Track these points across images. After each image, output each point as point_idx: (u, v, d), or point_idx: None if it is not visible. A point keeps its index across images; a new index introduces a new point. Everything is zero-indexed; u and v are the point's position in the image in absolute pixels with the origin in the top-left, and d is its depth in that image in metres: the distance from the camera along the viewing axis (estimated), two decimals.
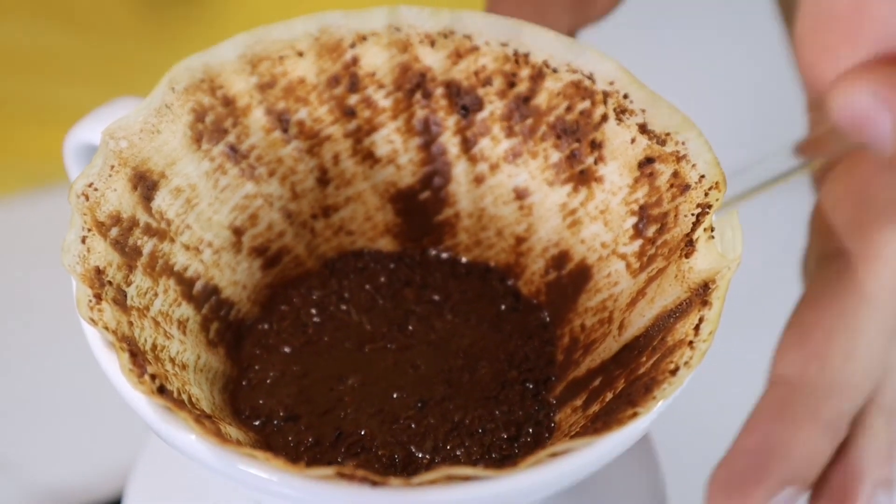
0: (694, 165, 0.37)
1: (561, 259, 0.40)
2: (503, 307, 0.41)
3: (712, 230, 0.35)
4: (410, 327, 0.40)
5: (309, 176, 0.41)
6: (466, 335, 0.40)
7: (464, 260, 0.42)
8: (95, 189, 0.36)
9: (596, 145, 0.39)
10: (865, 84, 0.36)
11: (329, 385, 0.39)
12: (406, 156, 0.42)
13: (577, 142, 0.40)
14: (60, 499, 0.51)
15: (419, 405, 0.38)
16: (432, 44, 0.41)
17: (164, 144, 0.38)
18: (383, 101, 0.41)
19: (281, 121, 0.41)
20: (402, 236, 0.42)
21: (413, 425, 0.38)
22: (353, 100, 0.41)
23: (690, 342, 0.34)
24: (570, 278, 0.40)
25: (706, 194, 0.36)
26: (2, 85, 0.60)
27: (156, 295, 0.37)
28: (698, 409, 0.47)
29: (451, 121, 0.41)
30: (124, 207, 0.37)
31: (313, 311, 0.41)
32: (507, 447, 0.38)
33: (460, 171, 0.41)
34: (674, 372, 0.33)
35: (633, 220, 0.38)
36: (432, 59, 0.41)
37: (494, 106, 0.41)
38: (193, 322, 0.38)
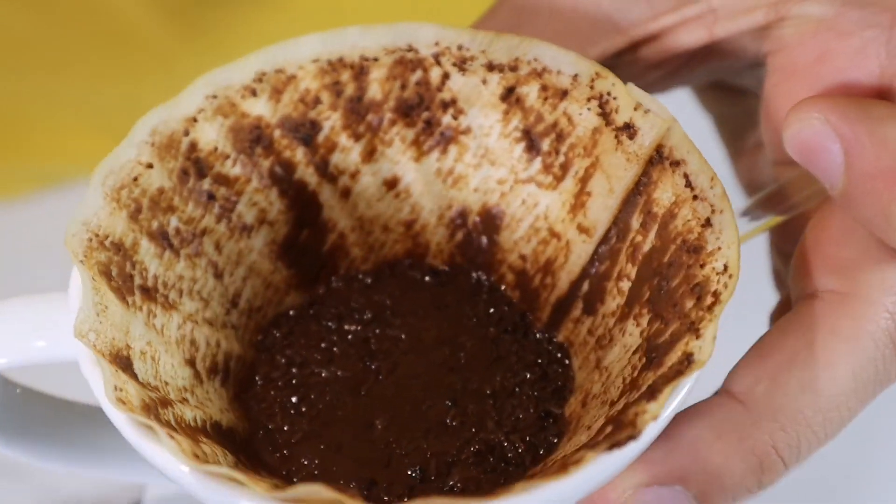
0: (559, 72, 0.40)
1: (460, 216, 0.42)
2: (432, 287, 0.42)
3: (641, 106, 0.38)
4: (380, 352, 0.41)
5: (206, 277, 0.40)
6: (427, 327, 0.41)
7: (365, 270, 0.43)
8: (120, 390, 0.34)
9: (447, 103, 0.41)
10: (816, 111, 0.36)
11: (367, 439, 0.38)
12: (273, 209, 0.41)
13: (426, 110, 0.41)
14: None
15: (450, 403, 0.39)
16: (253, 93, 0.40)
17: (112, 317, 0.36)
18: (233, 170, 0.40)
19: (163, 239, 0.39)
20: (303, 284, 0.42)
21: (463, 420, 0.39)
22: (206, 184, 0.40)
23: (695, 196, 0.37)
24: (480, 227, 0.42)
25: (592, 87, 0.39)
26: (10, 84, 0.59)
27: (216, 455, 0.35)
28: None
29: (298, 154, 0.41)
30: (140, 393, 0.34)
31: (289, 393, 0.40)
32: (546, 385, 0.39)
33: (326, 195, 0.41)
34: (707, 224, 0.36)
35: (521, 145, 0.41)
36: (258, 108, 0.40)
37: (332, 120, 0.41)
38: (237, 462, 0.36)
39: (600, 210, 0.39)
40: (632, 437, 0.33)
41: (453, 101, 0.41)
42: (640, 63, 0.42)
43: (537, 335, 0.41)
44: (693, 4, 0.41)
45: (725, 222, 0.36)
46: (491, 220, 0.42)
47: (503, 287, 0.42)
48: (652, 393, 0.34)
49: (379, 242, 0.43)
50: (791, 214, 0.40)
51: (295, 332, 0.41)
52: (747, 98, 0.44)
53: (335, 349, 0.41)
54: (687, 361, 0.34)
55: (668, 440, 0.36)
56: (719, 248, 0.36)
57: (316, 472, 0.38)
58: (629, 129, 0.38)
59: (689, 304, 0.36)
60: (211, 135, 0.40)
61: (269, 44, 0.40)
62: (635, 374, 0.36)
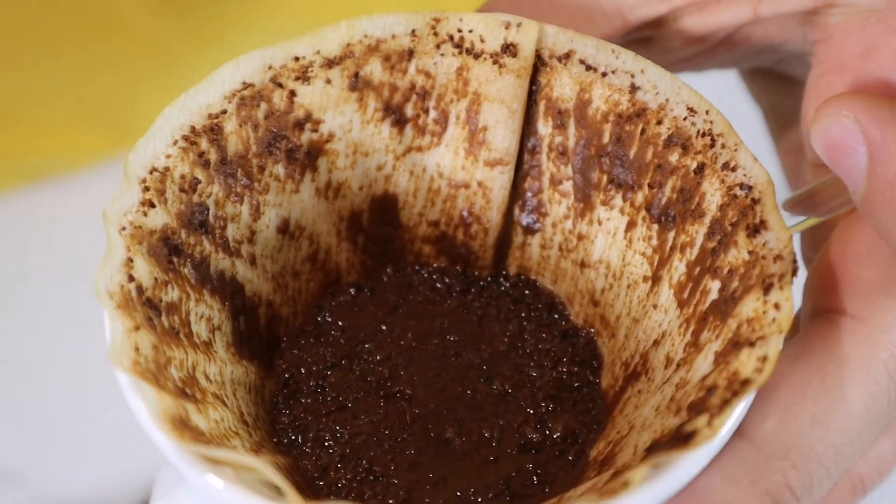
0: (393, 36, 0.39)
1: (355, 222, 0.40)
2: (367, 300, 0.40)
3: (511, 24, 0.38)
4: (385, 380, 0.38)
5: (222, 409, 0.36)
6: (399, 335, 0.40)
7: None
8: None
9: (303, 121, 0.39)
10: (846, 108, 0.34)
11: (455, 455, 0.37)
12: (215, 313, 0.38)
13: (283, 139, 0.38)
14: None
15: (485, 378, 0.38)
16: (151, 205, 0.36)
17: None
18: (172, 294, 0.36)
19: (185, 396, 0.34)
20: (269, 370, 0.38)
21: (511, 382, 0.38)
22: (165, 320, 0.35)
23: (603, 73, 0.37)
24: (376, 220, 0.40)
25: (435, 34, 0.39)
26: (3, 77, 0.57)
27: None
28: None
29: (206, 246, 0.38)
30: None
31: (353, 468, 0.37)
32: (539, 312, 0.40)
33: (241, 271, 0.38)
34: (634, 88, 0.37)
35: (387, 123, 0.39)
36: (159, 218, 0.36)
37: (213, 195, 0.38)
38: None
39: (507, 136, 0.40)
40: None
41: (308, 116, 0.39)
42: (680, 35, 0.40)
43: (489, 282, 0.41)
44: None
45: (655, 77, 0.38)
46: (384, 209, 0.41)
47: (426, 261, 0.41)
48: (748, 229, 0.35)
49: (296, 290, 0.40)
50: (826, 217, 0.38)
51: (296, 416, 0.38)
52: (797, 88, 0.41)
53: (348, 404, 0.38)
54: (741, 189, 0.36)
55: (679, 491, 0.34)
56: (666, 101, 0.38)
57: None
58: (510, 49, 0.39)
59: (675, 155, 0.37)
60: (143, 268, 0.35)
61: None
62: (655, 238, 0.38)
